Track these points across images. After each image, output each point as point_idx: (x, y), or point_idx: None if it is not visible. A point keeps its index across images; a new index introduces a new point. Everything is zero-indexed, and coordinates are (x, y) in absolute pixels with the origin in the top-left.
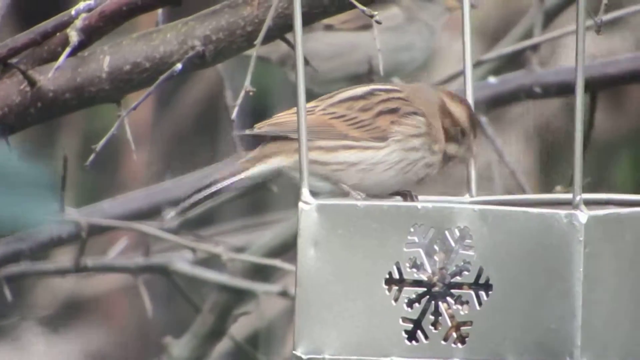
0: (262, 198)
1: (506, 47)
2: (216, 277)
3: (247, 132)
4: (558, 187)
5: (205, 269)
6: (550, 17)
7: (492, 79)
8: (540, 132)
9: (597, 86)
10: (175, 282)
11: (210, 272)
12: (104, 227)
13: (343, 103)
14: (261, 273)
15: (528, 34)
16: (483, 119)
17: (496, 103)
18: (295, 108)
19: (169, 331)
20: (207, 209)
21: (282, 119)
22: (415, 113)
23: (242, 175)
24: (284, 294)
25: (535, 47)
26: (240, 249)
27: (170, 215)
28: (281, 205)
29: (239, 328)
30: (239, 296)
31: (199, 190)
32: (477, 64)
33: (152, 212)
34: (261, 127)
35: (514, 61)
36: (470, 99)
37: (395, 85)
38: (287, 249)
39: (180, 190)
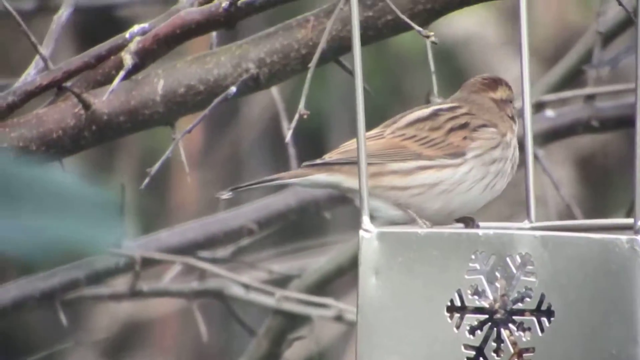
0: (315, 224)
1: (562, 77)
2: (270, 301)
3: (318, 161)
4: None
5: (259, 294)
6: (606, 40)
7: (549, 112)
8: (592, 160)
9: None
10: (230, 306)
11: (265, 297)
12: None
13: (411, 125)
14: (316, 297)
15: (585, 58)
16: (539, 152)
17: (553, 136)
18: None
19: (224, 356)
20: (260, 239)
21: (349, 147)
22: (484, 125)
23: (306, 179)
24: (338, 318)
25: (591, 96)
26: (296, 272)
27: (226, 194)
28: (334, 231)
29: (294, 353)
30: (294, 320)
31: (263, 182)
32: (536, 104)
33: (207, 243)
34: (331, 157)
35: (573, 82)
36: (529, 133)
37: (452, 102)
38: (341, 273)
39: (236, 221)
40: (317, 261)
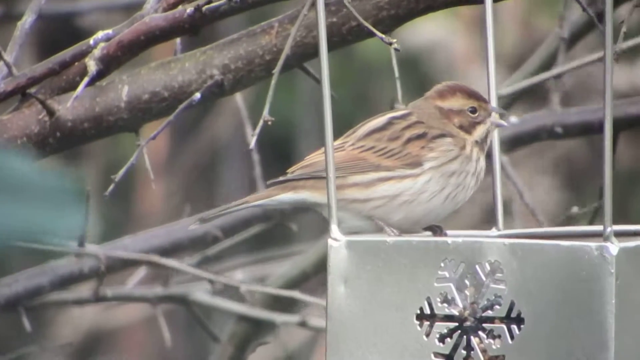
0: (280, 235)
1: (525, 77)
2: (235, 307)
3: (282, 178)
4: (575, 208)
5: (224, 299)
6: (569, 45)
7: (513, 119)
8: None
9: (619, 126)
10: (195, 312)
11: (230, 302)
12: (125, 261)
13: (370, 136)
14: (280, 303)
15: (548, 62)
16: (504, 159)
17: (517, 143)
18: (323, 147)
19: None
20: (226, 248)
21: (313, 159)
22: (442, 135)
23: (272, 200)
24: (303, 324)
25: (557, 76)
26: (259, 280)
27: (195, 224)
28: (300, 240)
29: (258, 358)
30: (259, 326)
31: (230, 207)
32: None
33: (172, 249)
34: (294, 172)
35: (534, 92)
36: (495, 142)
37: (404, 109)
38: (306, 278)
39: (201, 228)
40: (281, 266)
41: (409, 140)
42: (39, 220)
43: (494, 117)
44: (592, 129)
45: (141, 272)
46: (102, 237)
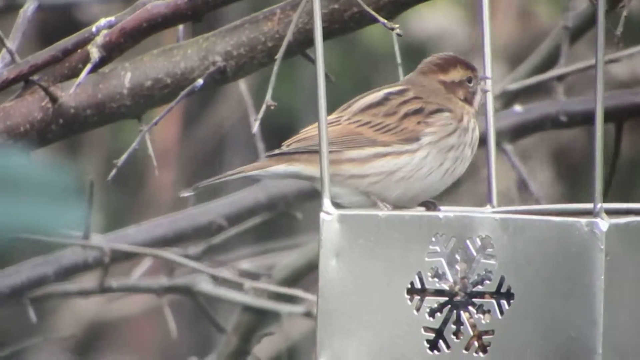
0: (286, 224)
1: (529, 73)
2: (240, 297)
3: (277, 151)
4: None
5: (229, 290)
6: (574, 37)
7: (517, 108)
8: (561, 156)
9: (624, 115)
10: (200, 302)
11: (234, 292)
12: (129, 253)
13: (366, 111)
14: (285, 294)
15: (552, 55)
16: (508, 147)
17: (521, 132)
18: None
19: (194, 352)
20: (231, 237)
21: (309, 133)
22: (439, 110)
23: (266, 170)
24: (307, 314)
25: (560, 77)
26: (265, 270)
27: (187, 193)
28: (305, 231)
29: (263, 349)
30: (263, 316)
31: (225, 176)
32: (502, 94)
33: (176, 239)
34: (290, 145)
35: (539, 87)
36: (490, 120)
37: (400, 84)
38: (311, 268)
39: (205, 217)
40: (287, 259)
41: (406, 115)
42: (42, 213)
43: (482, 83)
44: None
45: (146, 262)
46: (107, 227)
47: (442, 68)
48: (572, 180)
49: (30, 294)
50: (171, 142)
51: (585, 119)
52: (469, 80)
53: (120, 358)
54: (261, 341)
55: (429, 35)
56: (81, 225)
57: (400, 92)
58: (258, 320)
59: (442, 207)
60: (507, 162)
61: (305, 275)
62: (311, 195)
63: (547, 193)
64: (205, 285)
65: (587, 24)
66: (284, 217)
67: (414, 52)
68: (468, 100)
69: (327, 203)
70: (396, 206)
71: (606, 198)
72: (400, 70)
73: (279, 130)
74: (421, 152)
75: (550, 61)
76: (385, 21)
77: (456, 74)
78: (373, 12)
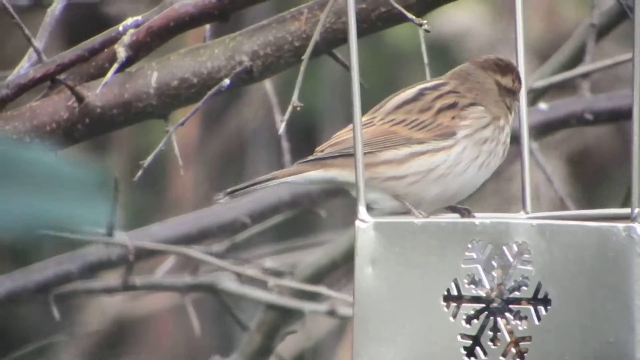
0: (309, 221)
1: (555, 70)
2: (264, 296)
3: (311, 158)
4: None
5: (252, 288)
6: (600, 35)
7: (542, 105)
8: (584, 156)
9: None
10: (223, 300)
11: (258, 291)
12: (152, 250)
13: (399, 109)
14: (309, 292)
15: (578, 52)
16: (533, 145)
17: (546, 129)
18: (352, 125)
19: (217, 350)
20: (254, 234)
21: (342, 137)
22: (473, 104)
23: (301, 176)
24: (331, 313)
25: (586, 75)
26: (288, 268)
27: (221, 198)
28: (329, 228)
29: (286, 347)
30: (287, 315)
31: (258, 182)
32: (528, 92)
33: (200, 236)
34: (323, 150)
35: (565, 84)
36: (524, 124)
37: (439, 78)
38: (335, 267)
39: (229, 214)
40: (311, 258)
41: (440, 110)
42: (67, 211)
43: (519, 99)
44: (622, 115)
45: (170, 260)
46: (131, 225)
47: (502, 70)
48: (594, 180)
49: (55, 290)
50: (193, 141)
51: (611, 117)
52: (514, 92)
53: (144, 355)
54: (284, 339)
55: (453, 34)
56: (106, 223)
57: (435, 87)
58: (281, 318)
59: (476, 214)
60: (532, 160)
61: (329, 273)
62: (335, 193)
63: (568, 192)
64: (228, 283)
65: (613, 21)
66: (308, 215)
67: (438, 51)
68: (509, 109)
69: (362, 210)
70: (435, 207)
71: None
72: (427, 69)
73: (301, 131)
74: (458, 147)
75: (575, 59)
76: (414, 18)
77: (510, 81)
78: (402, 10)
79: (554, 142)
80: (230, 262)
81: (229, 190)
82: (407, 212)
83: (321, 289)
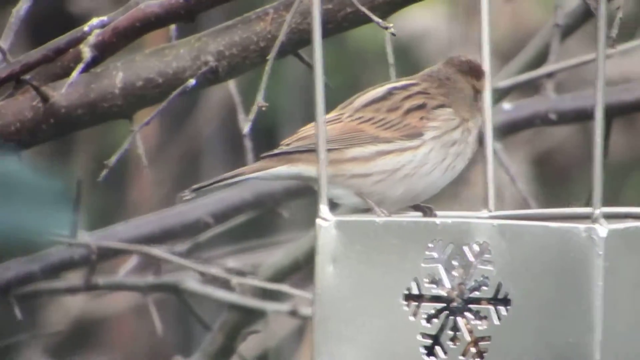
0: (272, 222)
1: (519, 70)
2: (226, 296)
3: (276, 151)
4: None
5: (215, 288)
6: (565, 35)
7: (506, 105)
8: (549, 155)
9: (613, 113)
10: (185, 300)
11: (220, 291)
12: (116, 250)
13: (368, 107)
14: (271, 292)
15: (543, 52)
16: (497, 145)
17: (510, 129)
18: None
19: (179, 350)
20: (217, 234)
21: (309, 131)
22: (442, 105)
23: (267, 172)
24: (293, 313)
25: (550, 75)
26: (251, 268)
27: (187, 195)
28: (291, 228)
29: (249, 347)
30: (249, 315)
31: (224, 179)
32: (492, 91)
33: (163, 236)
34: (289, 144)
35: (529, 84)
36: (488, 125)
37: (409, 79)
38: (298, 267)
39: (193, 214)
40: (273, 258)
41: (409, 111)
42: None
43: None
44: (586, 115)
45: (133, 260)
46: (94, 226)
47: (477, 75)
48: (557, 181)
49: (16, 291)
50: (155, 142)
51: (576, 117)
52: (481, 92)
53: (106, 355)
54: (246, 339)
55: (413, 34)
56: (69, 224)
57: (405, 87)
58: (244, 318)
59: (438, 212)
60: (496, 160)
61: (291, 274)
62: (298, 193)
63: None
64: (191, 283)
65: (578, 22)
66: (271, 215)
67: (399, 52)
68: (479, 111)
69: (324, 209)
70: (399, 207)
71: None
72: (392, 71)
73: (264, 131)
74: (424, 147)
75: (540, 59)
76: (380, 20)
77: (482, 85)
78: (368, 12)
79: (518, 143)
80: (193, 261)
81: (194, 187)
82: (369, 210)
83: (284, 287)
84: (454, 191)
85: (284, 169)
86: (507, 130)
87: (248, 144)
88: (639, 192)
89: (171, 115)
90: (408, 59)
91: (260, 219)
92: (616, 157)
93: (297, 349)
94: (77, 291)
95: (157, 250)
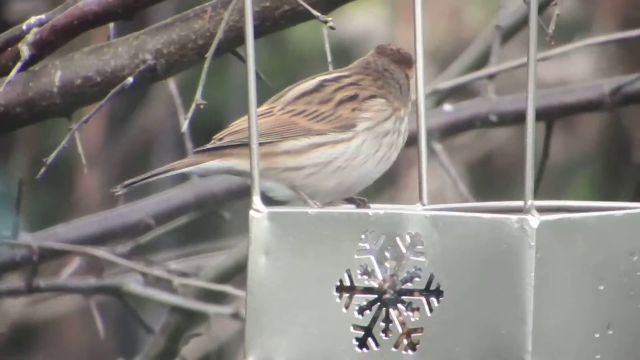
0: (214, 223)
1: (460, 73)
2: (168, 298)
3: (209, 146)
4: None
5: (157, 291)
6: (506, 37)
7: (447, 107)
8: (490, 157)
9: (553, 115)
10: (128, 303)
11: (163, 293)
12: (57, 251)
13: (299, 99)
14: (213, 295)
15: (484, 54)
16: (438, 147)
17: (451, 131)
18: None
19: (121, 353)
20: (160, 235)
21: (240, 125)
22: (373, 96)
23: (199, 167)
24: (235, 315)
25: (491, 76)
26: (193, 271)
27: (119, 191)
28: (233, 232)
29: (191, 350)
30: (191, 317)
31: (157, 174)
32: (432, 93)
33: (105, 238)
34: (221, 138)
35: (469, 87)
36: (422, 126)
37: (341, 71)
38: (239, 270)
39: (134, 216)
40: (216, 260)
41: (341, 102)
42: None
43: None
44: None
45: (75, 262)
46: (36, 225)
47: (408, 63)
48: (503, 183)
49: None
50: (98, 142)
51: (516, 119)
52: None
53: (48, 358)
54: (189, 342)
55: (353, 35)
56: (10, 224)
57: (336, 79)
58: (186, 321)
59: (372, 205)
60: (436, 161)
61: (233, 276)
62: (240, 194)
63: (476, 194)
64: (133, 286)
65: (519, 24)
66: (213, 217)
67: (339, 53)
68: (408, 99)
69: (256, 200)
70: (328, 201)
71: (536, 198)
72: (331, 68)
73: (208, 129)
74: (357, 139)
75: (481, 61)
76: (319, 14)
77: (412, 72)
78: (308, 6)
79: (459, 144)
80: (136, 263)
81: (126, 182)
82: (302, 202)
83: (227, 288)
84: (392, 193)
85: (215, 163)
86: (448, 132)
87: (188, 142)
88: (580, 193)
89: (115, 115)
90: (348, 60)
91: (202, 221)
92: (557, 158)
93: (239, 351)
94: (18, 294)
95: (100, 252)
